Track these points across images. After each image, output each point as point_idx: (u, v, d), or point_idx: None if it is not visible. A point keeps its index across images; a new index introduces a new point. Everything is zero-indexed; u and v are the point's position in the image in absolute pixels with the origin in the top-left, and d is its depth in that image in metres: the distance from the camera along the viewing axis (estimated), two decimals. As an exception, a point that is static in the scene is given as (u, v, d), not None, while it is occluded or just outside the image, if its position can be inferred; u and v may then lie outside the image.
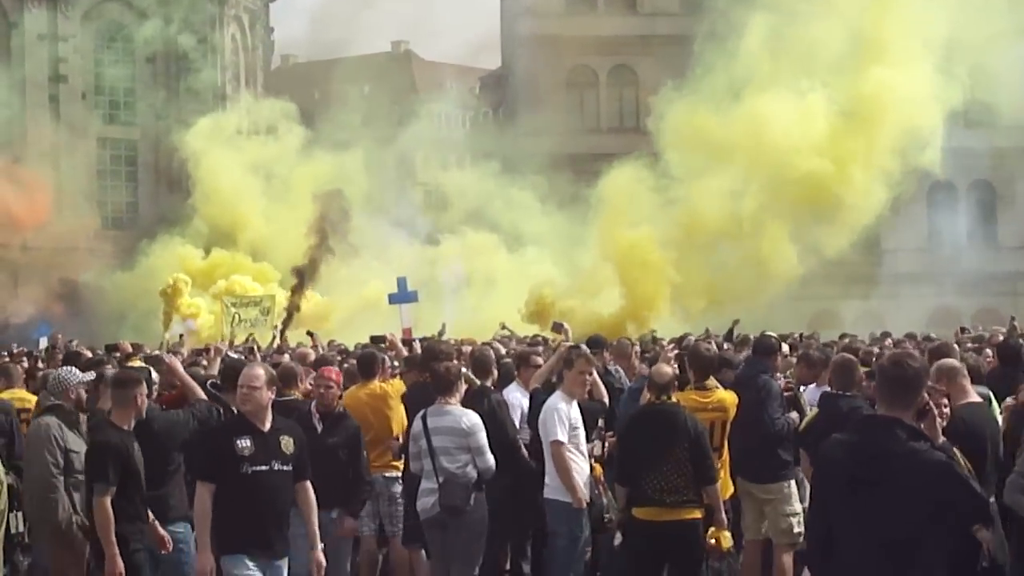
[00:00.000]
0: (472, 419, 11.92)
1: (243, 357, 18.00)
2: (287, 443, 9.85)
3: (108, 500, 10.05)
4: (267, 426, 9.81)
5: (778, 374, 14.42)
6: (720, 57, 40.49)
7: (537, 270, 43.37)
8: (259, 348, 24.37)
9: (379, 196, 51.09)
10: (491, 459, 11.89)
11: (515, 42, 64.03)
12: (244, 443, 9.64)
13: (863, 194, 39.57)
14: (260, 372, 9.92)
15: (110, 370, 12.63)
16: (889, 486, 6.94)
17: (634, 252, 40.16)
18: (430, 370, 12.72)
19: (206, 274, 48.64)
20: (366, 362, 14.00)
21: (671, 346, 16.71)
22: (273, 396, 10.05)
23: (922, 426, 7.28)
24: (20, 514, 8.76)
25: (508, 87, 60.16)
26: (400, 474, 13.31)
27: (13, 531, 8.69)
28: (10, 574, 8.86)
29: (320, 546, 10.15)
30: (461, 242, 47.54)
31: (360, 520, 13.04)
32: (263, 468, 9.66)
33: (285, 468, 9.80)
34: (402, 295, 33.68)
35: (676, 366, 13.83)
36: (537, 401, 12.88)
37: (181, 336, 34.63)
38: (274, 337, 34.03)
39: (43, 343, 32.44)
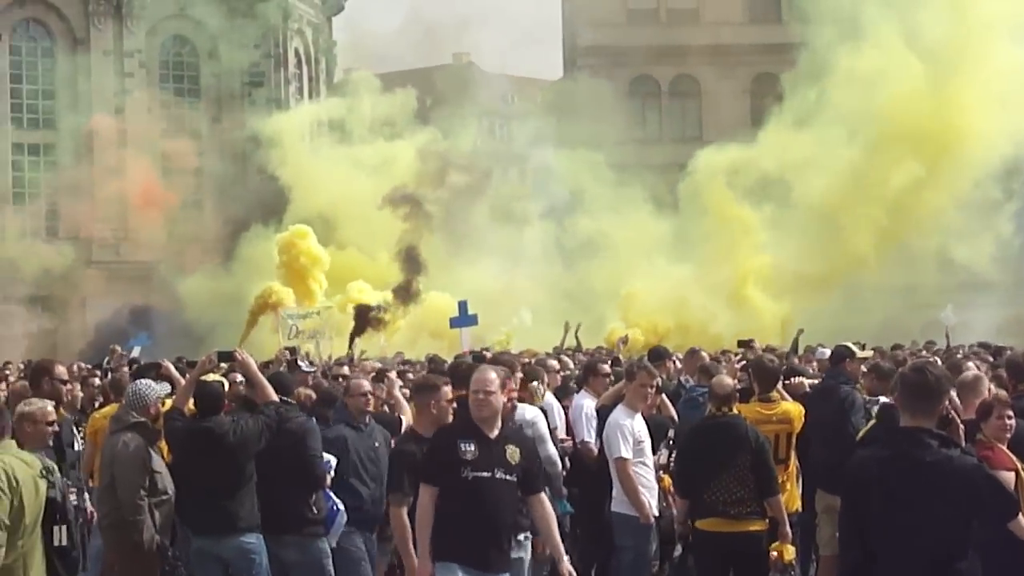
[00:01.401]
0: (532, 411, 11.99)
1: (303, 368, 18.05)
2: (513, 453, 9.32)
3: (404, 510, 9.72)
4: (495, 433, 9.32)
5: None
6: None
7: (672, 274, 43.17)
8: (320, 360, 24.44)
9: (501, 200, 50.81)
10: (553, 448, 11.95)
11: (577, 53, 64.01)
12: (468, 447, 9.16)
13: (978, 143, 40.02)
14: (494, 376, 9.44)
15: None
16: (929, 496, 6.93)
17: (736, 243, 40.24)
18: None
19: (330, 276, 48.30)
20: (460, 374, 14.00)
21: (737, 357, 16.64)
22: (505, 399, 9.85)
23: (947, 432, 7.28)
24: (64, 527, 8.67)
25: (570, 98, 60.10)
26: None
27: (57, 543, 8.65)
28: None
29: (566, 559, 9.50)
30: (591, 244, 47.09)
31: None
32: (485, 475, 9.16)
33: (508, 478, 9.27)
34: (463, 319, 33.30)
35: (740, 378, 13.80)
36: (603, 417, 12.88)
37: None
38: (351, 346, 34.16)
39: (136, 351, 32.04)
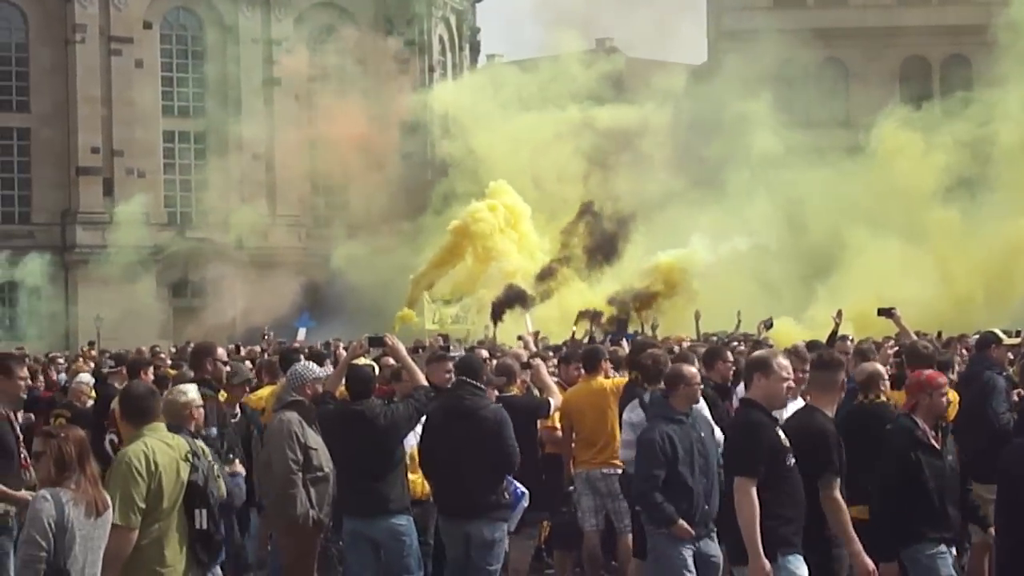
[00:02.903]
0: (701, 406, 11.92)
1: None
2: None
3: (753, 490, 9.04)
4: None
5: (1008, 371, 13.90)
6: None
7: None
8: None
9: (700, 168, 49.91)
10: (720, 435, 11.85)
11: (722, 36, 63.56)
12: (781, 434, 9.02)
13: None
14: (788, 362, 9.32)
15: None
16: None
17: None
18: (637, 364, 12.59)
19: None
20: (590, 357, 13.97)
21: (890, 343, 16.35)
22: None
23: None
24: (205, 511, 8.78)
25: (715, 82, 59.65)
26: (622, 470, 13.11)
27: (198, 527, 8.77)
28: (197, 569, 8.96)
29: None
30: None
31: (583, 515, 13.13)
32: (794, 460, 9.03)
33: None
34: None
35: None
36: None
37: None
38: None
39: (302, 334, 32.06)
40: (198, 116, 63.29)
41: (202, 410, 9.89)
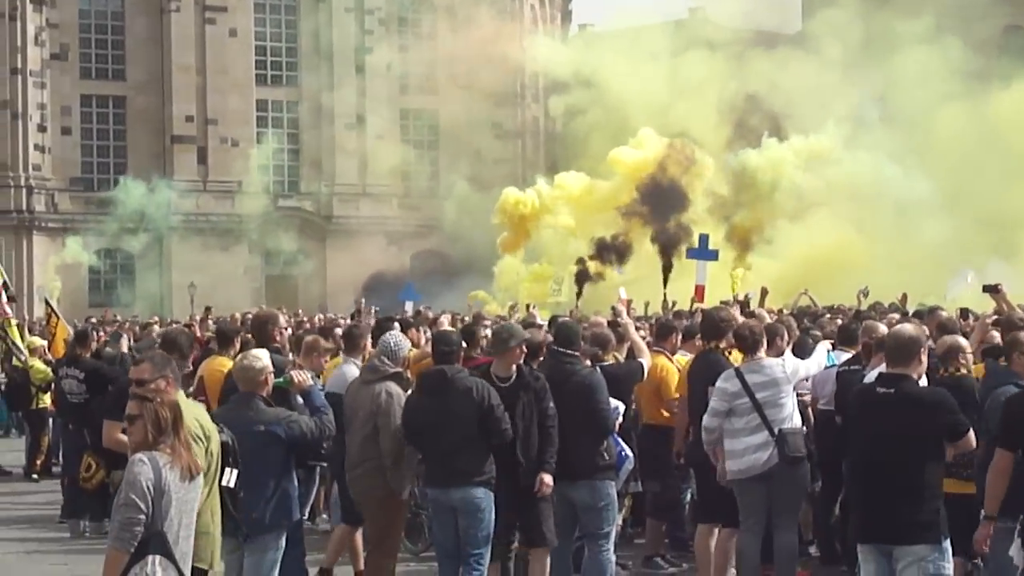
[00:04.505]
0: (791, 364, 11.96)
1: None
2: None
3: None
4: None
5: None
6: None
7: None
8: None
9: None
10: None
11: (816, 5, 62.81)
12: None
13: None
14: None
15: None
16: None
17: None
18: (736, 335, 12.48)
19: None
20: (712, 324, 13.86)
21: (990, 312, 16.06)
22: None
23: None
24: (236, 471, 8.88)
25: (810, 51, 58.96)
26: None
27: (224, 483, 8.88)
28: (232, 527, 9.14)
29: None
30: None
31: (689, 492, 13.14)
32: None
33: None
34: (702, 252, 32.23)
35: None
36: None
37: None
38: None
39: (409, 307, 31.79)
40: (291, 85, 63.66)
41: (272, 376, 9.91)
